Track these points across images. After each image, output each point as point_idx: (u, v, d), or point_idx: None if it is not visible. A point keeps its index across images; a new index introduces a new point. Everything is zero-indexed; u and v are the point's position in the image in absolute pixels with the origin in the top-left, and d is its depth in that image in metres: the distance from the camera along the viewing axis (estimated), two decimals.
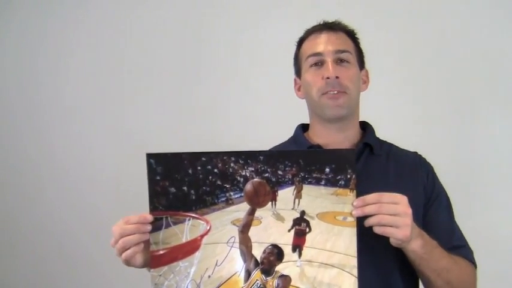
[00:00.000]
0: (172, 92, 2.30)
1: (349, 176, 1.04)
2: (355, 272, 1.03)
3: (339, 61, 1.22)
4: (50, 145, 2.39)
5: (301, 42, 1.32)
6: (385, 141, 1.32)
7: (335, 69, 1.20)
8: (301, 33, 1.30)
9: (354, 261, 1.03)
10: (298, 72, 1.33)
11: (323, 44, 1.24)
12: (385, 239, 1.02)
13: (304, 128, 1.37)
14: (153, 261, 1.05)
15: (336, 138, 1.24)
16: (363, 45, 1.30)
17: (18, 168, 2.42)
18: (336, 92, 1.19)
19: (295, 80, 1.35)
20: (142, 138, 2.29)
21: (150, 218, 1.03)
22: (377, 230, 0.99)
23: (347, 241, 1.04)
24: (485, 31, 2.03)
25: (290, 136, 1.37)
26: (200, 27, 2.24)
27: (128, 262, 1.05)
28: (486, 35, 2.03)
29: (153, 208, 1.05)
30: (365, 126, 1.32)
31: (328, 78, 1.19)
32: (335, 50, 1.22)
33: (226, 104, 2.26)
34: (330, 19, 1.28)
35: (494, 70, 2.05)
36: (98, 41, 2.30)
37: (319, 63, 1.23)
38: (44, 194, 2.41)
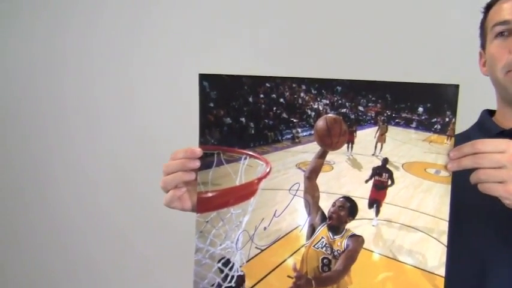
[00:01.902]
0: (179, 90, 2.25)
1: (447, 120, 0.94)
2: (444, 239, 0.94)
3: None
4: (50, 144, 2.43)
5: (488, 8, 1.19)
6: None
7: None
8: None
9: (444, 226, 0.94)
10: (483, 43, 1.22)
11: None
12: None
13: (490, 113, 1.24)
14: (200, 204, 0.96)
15: None
16: None
17: (18, 168, 2.49)
18: None
19: (480, 53, 1.24)
20: (143, 137, 2.27)
21: (199, 152, 0.94)
22: (481, 187, 0.90)
23: (438, 200, 0.95)
24: None
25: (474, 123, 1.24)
26: None
27: (170, 206, 1.01)
28: None
29: (203, 141, 0.96)
30: None
31: None
32: None
33: None
34: None
35: None
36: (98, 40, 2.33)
37: (507, 33, 1.11)
38: (43, 194, 2.46)
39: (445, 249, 0.92)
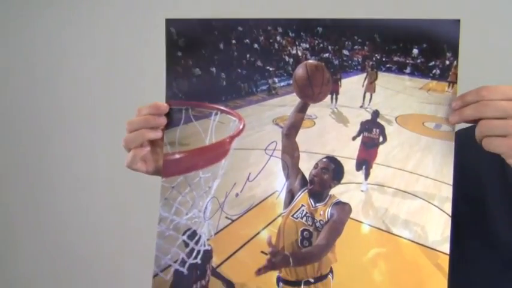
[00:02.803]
0: None
1: (448, 63, 0.84)
2: (448, 207, 0.82)
3: None
4: (49, 144, 2.45)
5: None
6: None
7: None
8: None
9: (447, 192, 0.83)
10: None
11: None
12: None
13: None
14: (166, 167, 0.88)
15: None
16: None
17: (17, 168, 2.51)
18: None
19: None
20: None
21: (164, 107, 0.87)
22: (484, 144, 0.79)
23: (439, 160, 0.83)
24: None
25: None
26: None
27: (132, 168, 0.95)
28: None
29: (170, 95, 0.88)
30: None
31: None
32: None
33: None
34: None
35: None
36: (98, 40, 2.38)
37: None
38: (43, 194, 2.48)
39: (449, 220, 0.80)
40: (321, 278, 0.85)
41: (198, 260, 0.88)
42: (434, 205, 0.81)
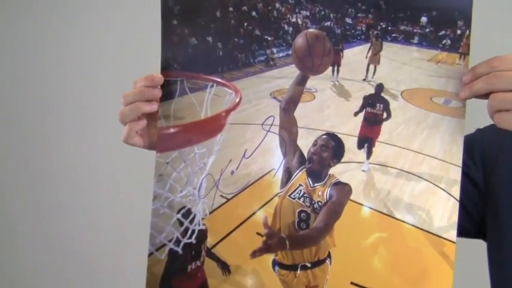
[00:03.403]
0: None
1: (460, 32, 0.79)
2: (456, 191, 0.78)
3: None
4: (49, 144, 2.50)
5: None
6: None
7: None
8: None
9: (455, 174, 0.78)
10: None
11: None
12: None
13: None
14: (160, 142, 0.86)
15: None
16: None
17: (17, 168, 2.56)
18: None
19: None
20: None
21: (159, 79, 0.84)
22: (496, 120, 0.73)
23: (447, 139, 0.77)
24: None
25: None
26: None
27: (128, 143, 0.95)
28: None
29: (165, 67, 0.85)
30: None
31: None
32: None
33: None
34: None
35: None
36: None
37: None
38: (43, 194, 2.52)
39: (456, 205, 0.76)
40: (318, 263, 0.83)
41: (193, 240, 0.87)
42: (441, 188, 0.77)
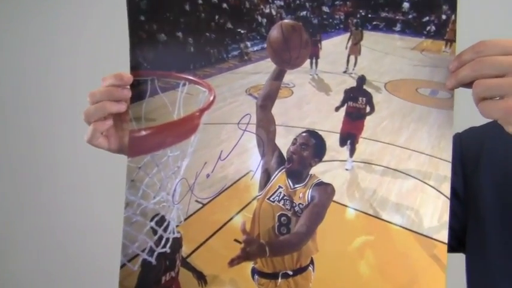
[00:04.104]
0: None
1: (445, 17, 0.73)
2: (446, 188, 0.72)
3: None
4: (49, 144, 2.49)
5: None
6: None
7: None
8: None
9: (445, 170, 0.72)
10: None
11: None
12: None
13: None
14: (132, 145, 0.80)
15: None
16: None
17: (17, 168, 2.55)
18: None
19: None
20: None
21: (128, 78, 0.78)
22: (480, 109, 0.67)
23: (436, 133, 0.71)
24: None
25: None
26: None
27: (92, 143, 0.88)
28: None
29: (135, 65, 0.79)
30: None
31: None
32: None
33: None
34: None
35: None
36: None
37: None
38: (43, 194, 2.51)
39: (447, 203, 0.70)
40: (300, 270, 0.77)
41: (167, 249, 0.81)
42: (430, 185, 0.71)
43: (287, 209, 0.76)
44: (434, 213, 0.71)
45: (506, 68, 0.61)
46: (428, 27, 0.71)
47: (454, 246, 0.80)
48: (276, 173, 0.77)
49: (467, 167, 0.84)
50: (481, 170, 0.83)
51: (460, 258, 0.85)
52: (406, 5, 0.71)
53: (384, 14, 0.72)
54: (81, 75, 2.19)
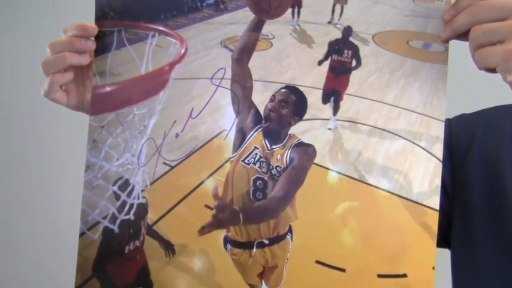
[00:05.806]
0: None
1: None
2: (438, 149, 0.66)
3: None
4: (49, 144, 2.45)
5: None
6: None
7: None
8: None
9: (438, 130, 0.65)
10: None
11: None
12: None
13: None
14: (95, 102, 0.72)
15: None
16: None
17: (17, 168, 2.50)
18: None
19: None
20: None
21: (92, 28, 0.70)
22: (476, 58, 0.60)
23: (428, 89, 0.65)
24: None
25: None
26: None
27: (49, 97, 0.79)
28: None
29: (100, 15, 0.72)
30: None
31: None
32: None
33: None
34: None
35: None
36: None
37: None
38: (43, 194, 2.46)
39: (439, 166, 0.63)
40: (277, 239, 0.69)
41: (131, 216, 0.73)
42: (421, 147, 0.64)
43: (263, 172, 0.68)
44: (425, 177, 0.63)
45: (507, 10, 0.54)
46: None
47: (438, 240, 0.72)
48: (252, 132, 0.69)
49: (456, 158, 0.76)
50: (470, 163, 0.75)
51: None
52: None
53: None
54: None
